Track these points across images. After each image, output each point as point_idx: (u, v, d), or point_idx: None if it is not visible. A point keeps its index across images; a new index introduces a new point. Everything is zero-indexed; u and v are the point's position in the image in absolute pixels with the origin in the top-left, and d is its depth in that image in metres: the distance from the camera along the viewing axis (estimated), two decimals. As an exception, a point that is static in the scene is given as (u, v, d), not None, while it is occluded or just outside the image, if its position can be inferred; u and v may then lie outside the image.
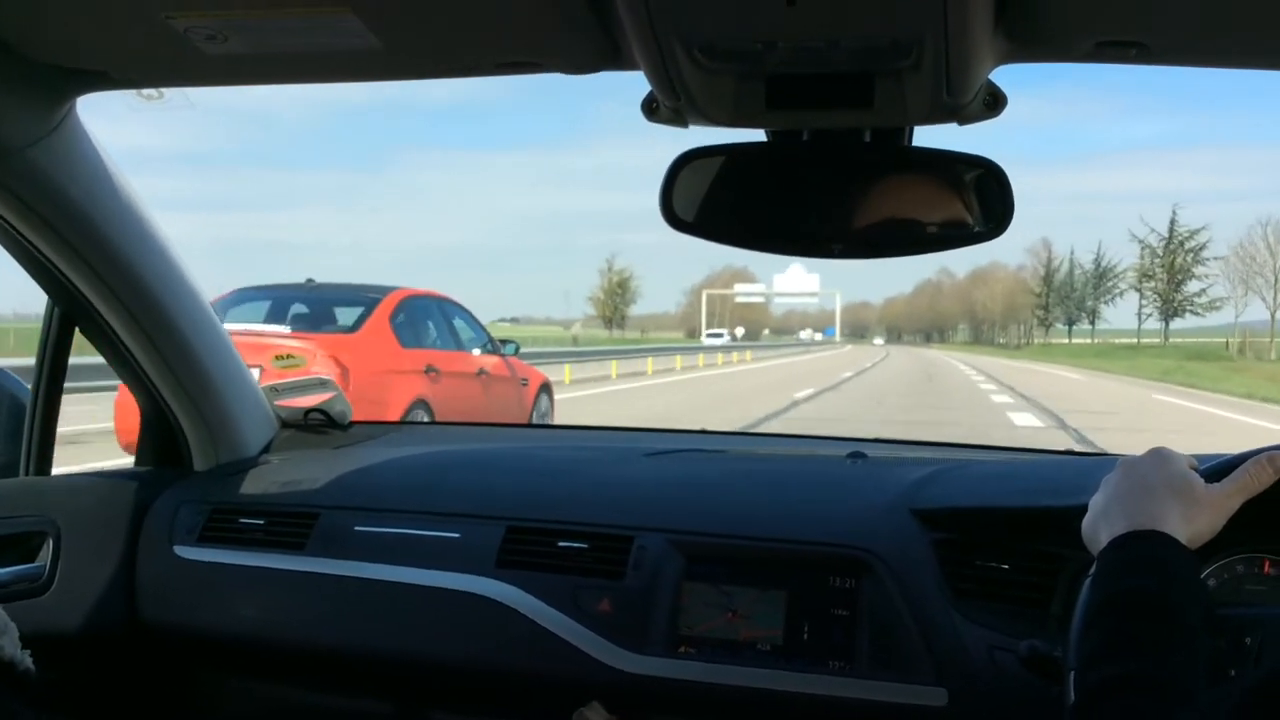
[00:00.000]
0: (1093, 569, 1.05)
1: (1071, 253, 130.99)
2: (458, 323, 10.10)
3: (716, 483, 1.78)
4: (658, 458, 1.92)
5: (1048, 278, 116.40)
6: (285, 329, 8.48)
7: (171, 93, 1.33)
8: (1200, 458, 1.20)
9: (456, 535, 1.68)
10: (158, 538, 1.84)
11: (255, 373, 2.13)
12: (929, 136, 1.21)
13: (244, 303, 9.11)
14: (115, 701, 1.84)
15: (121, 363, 1.83)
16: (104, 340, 1.79)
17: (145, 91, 1.33)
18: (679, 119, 1.14)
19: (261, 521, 1.81)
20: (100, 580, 1.79)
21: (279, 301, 9.22)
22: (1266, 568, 1.34)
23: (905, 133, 1.21)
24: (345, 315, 9.07)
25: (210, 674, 1.89)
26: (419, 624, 1.63)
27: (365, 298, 9.21)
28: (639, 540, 1.58)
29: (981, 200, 1.21)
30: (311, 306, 9.23)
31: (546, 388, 11.14)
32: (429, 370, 8.93)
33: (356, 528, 1.73)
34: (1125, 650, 0.95)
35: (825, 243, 1.25)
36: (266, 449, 2.09)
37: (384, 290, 9.38)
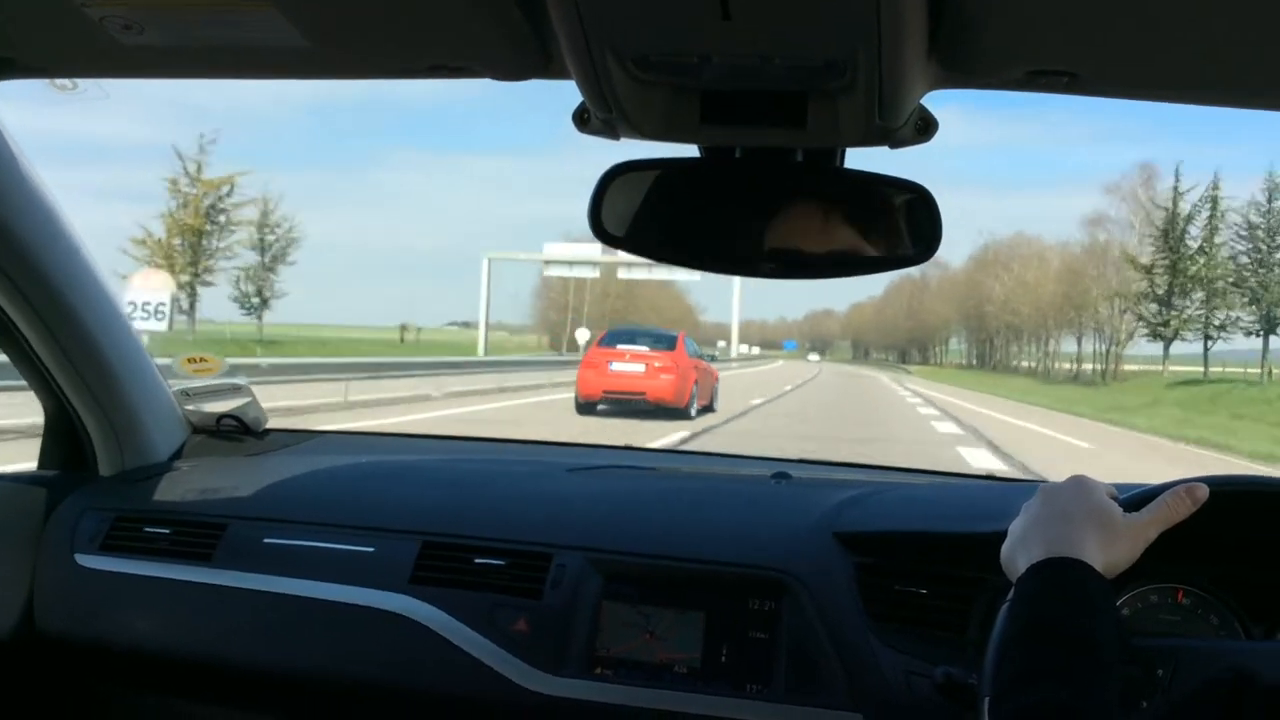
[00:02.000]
0: (1010, 595, 1.05)
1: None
2: (691, 345, 20.18)
3: (638, 501, 1.77)
4: (580, 474, 1.90)
5: (1174, 239, 51.39)
6: (644, 348, 18.45)
7: (86, 83, 1.28)
8: (1120, 487, 1.22)
9: (370, 549, 1.64)
10: (58, 545, 1.77)
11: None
12: (862, 159, 1.20)
13: (618, 335, 20.14)
14: (8, 713, 1.77)
15: (24, 360, 1.76)
16: (7, 337, 1.72)
17: (58, 81, 1.28)
18: (610, 131, 1.12)
19: (167, 531, 1.75)
20: None
21: (632, 334, 20.05)
22: (1180, 597, 1.36)
23: (838, 155, 1.21)
24: (665, 342, 19.09)
25: (109, 687, 1.82)
26: (329, 641, 1.59)
27: (671, 335, 20.05)
28: (558, 559, 1.56)
29: (911, 223, 1.22)
30: (649, 337, 19.51)
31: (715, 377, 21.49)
32: (695, 368, 18.80)
33: (266, 539, 1.68)
34: (1039, 678, 0.96)
35: (756, 262, 1.24)
36: (177, 455, 2.02)
37: (675, 332, 20.69)
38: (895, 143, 1.12)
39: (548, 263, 57.90)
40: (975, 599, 1.39)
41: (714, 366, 21.98)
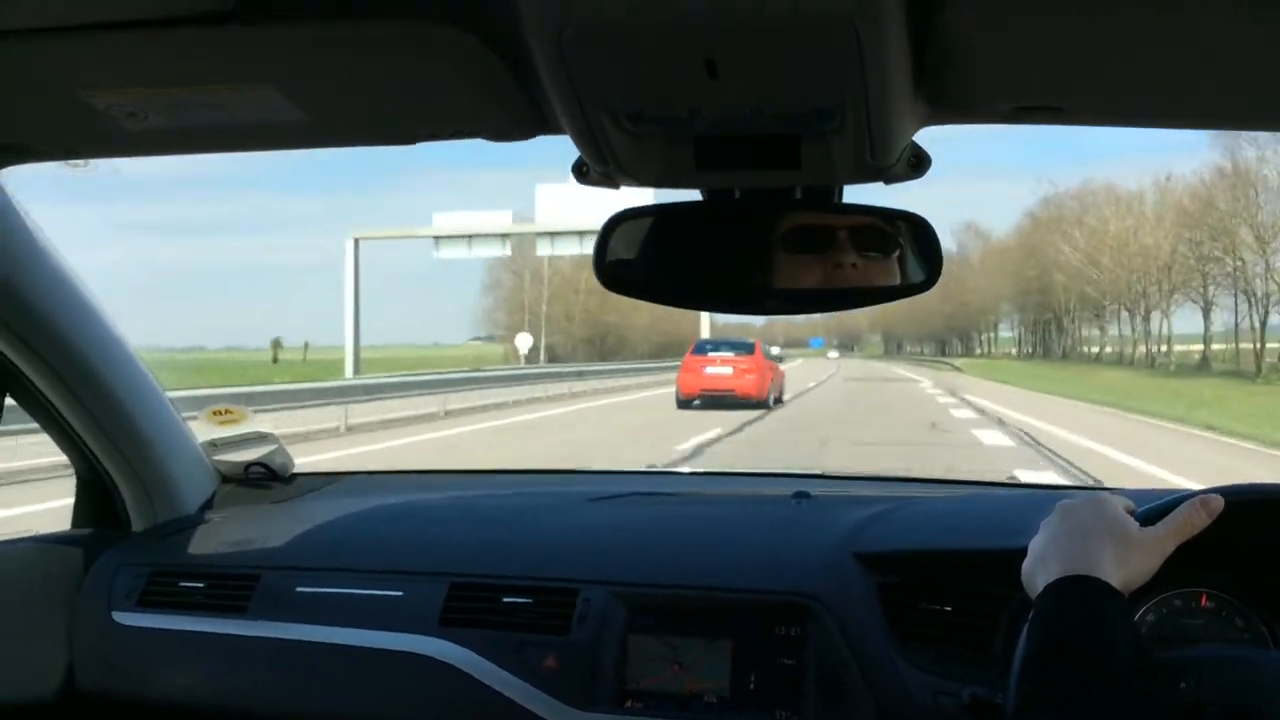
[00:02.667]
0: (1030, 614, 1.06)
1: None
2: (766, 349, 25.10)
3: (660, 530, 1.78)
4: (601, 504, 1.91)
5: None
6: (729, 354, 22.56)
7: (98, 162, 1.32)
8: (1138, 496, 1.22)
9: (399, 594, 1.66)
10: (95, 604, 1.80)
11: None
12: (860, 193, 1.22)
13: (706, 345, 24.46)
14: None
15: (53, 425, 1.80)
16: (31, 401, 1.75)
17: (73, 161, 1.31)
18: (610, 182, 1.15)
19: (202, 585, 1.78)
20: (36, 649, 1.75)
21: (716, 344, 24.09)
22: (1204, 601, 1.37)
23: (836, 190, 1.22)
24: (744, 349, 23.12)
25: None
26: (362, 687, 1.61)
27: (749, 342, 24.01)
28: (583, 594, 1.58)
29: (910, 254, 1.23)
30: (730, 346, 23.33)
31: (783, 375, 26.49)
32: (770, 369, 23.29)
33: (298, 588, 1.71)
34: (1055, 698, 0.97)
35: (761, 299, 1.26)
36: (207, 506, 2.05)
37: (751, 340, 25.04)
38: (889, 179, 1.14)
39: (439, 240, 41.66)
40: (999, 615, 1.40)
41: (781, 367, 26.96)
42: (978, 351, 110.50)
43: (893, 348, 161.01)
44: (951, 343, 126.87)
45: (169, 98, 1.00)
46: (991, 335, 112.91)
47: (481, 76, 0.96)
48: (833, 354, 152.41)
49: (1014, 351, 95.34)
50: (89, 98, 0.99)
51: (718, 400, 21.53)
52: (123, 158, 1.26)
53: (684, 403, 22.28)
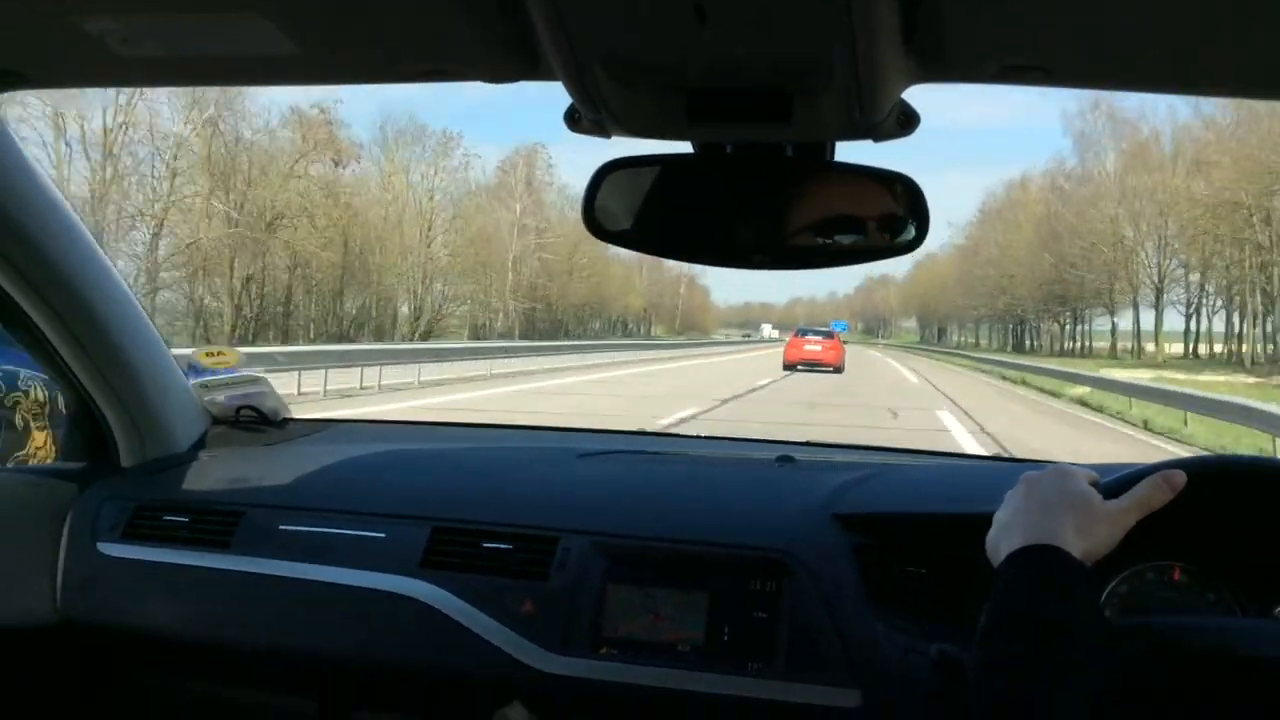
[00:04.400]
0: (993, 582, 1.08)
1: None
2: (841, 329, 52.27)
3: (644, 485, 1.80)
4: (588, 459, 1.93)
5: None
6: (819, 336, 37.17)
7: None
8: (1103, 469, 1.24)
9: (382, 535, 1.68)
10: (81, 534, 1.82)
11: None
12: (851, 151, 1.23)
13: (802, 330, 39.34)
14: (39, 699, 1.83)
15: (46, 358, 1.81)
16: (28, 335, 1.77)
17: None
18: (601, 130, 1.15)
19: (186, 519, 1.80)
20: (23, 577, 1.77)
21: (806, 330, 39.15)
22: (1176, 575, 1.39)
23: (827, 147, 1.23)
24: (826, 333, 38.39)
25: (135, 672, 1.88)
26: (343, 623, 1.64)
27: (830, 329, 42.36)
28: (564, 542, 1.60)
29: (898, 214, 1.24)
30: (817, 332, 38.61)
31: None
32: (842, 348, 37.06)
33: (282, 526, 1.73)
34: (1011, 665, 0.99)
35: (747, 253, 1.27)
36: (197, 445, 2.07)
37: (831, 327, 47.93)
38: (878, 136, 1.14)
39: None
40: (970, 578, 1.42)
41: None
42: (1088, 349, 74.99)
43: (932, 333, 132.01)
44: (1030, 326, 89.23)
45: (160, 24, 1.00)
46: (1083, 315, 76.80)
47: (474, 15, 0.96)
48: (770, 331, 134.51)
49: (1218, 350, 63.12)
50: (82, 22, 1.00)
51: (810, 365, 34.40)
52: (115, 87, 1.26)
53: (789, 366, 34.12)
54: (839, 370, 33.83)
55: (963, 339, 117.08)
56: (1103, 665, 1.00)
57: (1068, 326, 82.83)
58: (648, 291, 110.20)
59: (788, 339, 40.31)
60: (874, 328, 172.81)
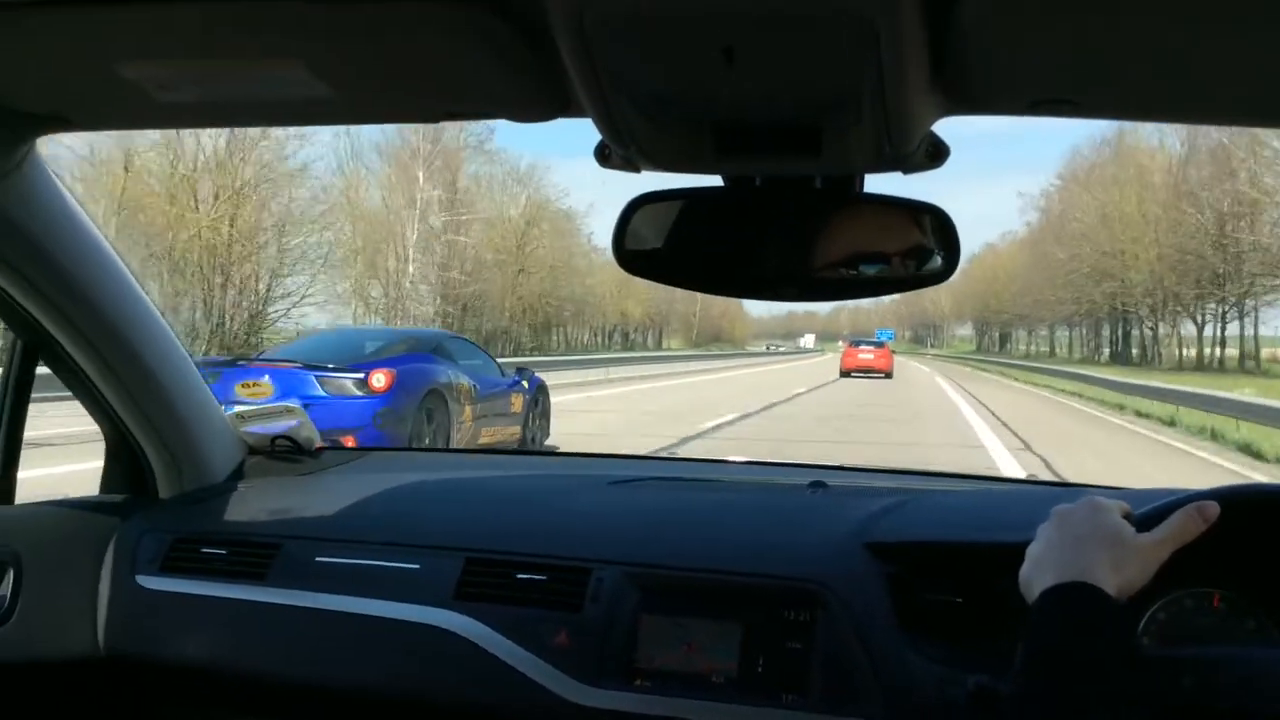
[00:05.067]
0: (1028, 620, 1.08)
1: None
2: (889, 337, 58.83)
3: (676, 514, 1.80)
4: (619, 487, 1.93)
5: None
6: (871, 346, 42.08)
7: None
8: (1134, 496, 1.23)
9: (416, 566, 1.69)
10: (120, 567, 1.84)
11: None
12: (880, 183, 1.19)
13: (856, 341, 45.77)
14: None
15: (85, 392, 1.84)
16: (66, 370, 1.79)
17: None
18: (631, 166, 1.16)
19: (224, 551, 1.81)
20: (63, 610, 1.79)
21: (859, 341, 45.79)
22: (1216, 602, 1.37)
23: (857, 179, 1.23)
24: (877, 343, 43.59)
25: (171, 705, 1.89)
26: (377, 656, 1.64)
27: (881, 340, 46.70)
28: (596, 572, 1.59)
29: (928, 244, 1.24)
30: (869, 342, 44.74)
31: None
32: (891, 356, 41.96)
33: (318, 558, 1.74)
34: (1044, 705, 0.99)
35: (778, 286, 1.27)
36: (233, 476, 2.09)
37: (882, 339, 50.38)
38: (909, 169, 1.14)
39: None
40: (1007, 608, 1.40)
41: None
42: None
43: (991, 341, 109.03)
44: (1146, 327, 65.20)
45: (199, 71, 1.02)
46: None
47: (506, 57, 0.97)
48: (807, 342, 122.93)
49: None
50: (121, 69, 1.02)
51: (864, 372, 38.76)
52: (154, 128, 1.29)
53: (845, 373, 38.56)
54: (889, 376, 38.26)
55: (1033, 347, 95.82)
56: (1136, 702, 0.99)
57: (1211, 324, 59.28)
58: (654, 297, 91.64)
59: (826, 350, 40.21)
60: (922, 336, 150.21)
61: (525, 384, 11.19)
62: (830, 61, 0.89)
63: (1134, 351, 67.99)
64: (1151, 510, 1.18)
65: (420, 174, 48.18)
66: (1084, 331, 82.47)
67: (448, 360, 10.12)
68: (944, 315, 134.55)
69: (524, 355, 42.71)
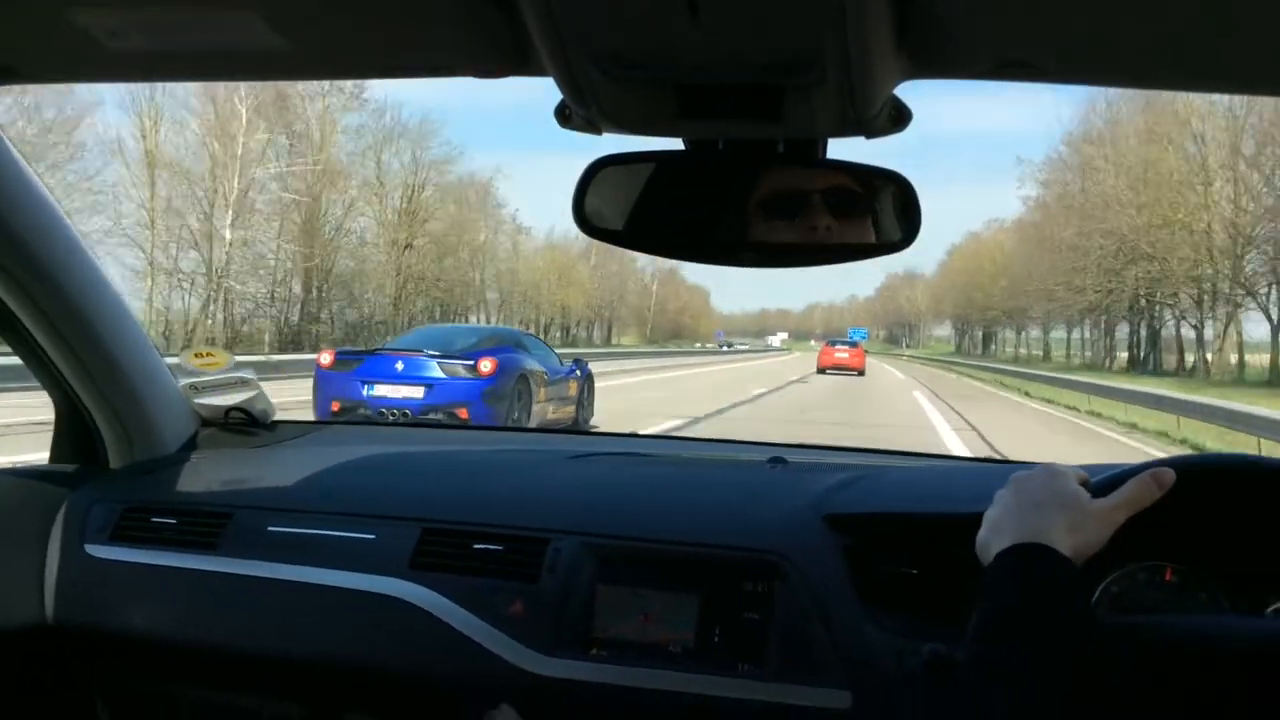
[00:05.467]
0: (983, 582, 1.08)
1: None
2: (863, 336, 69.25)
3: (635, 487, 1.80)
4: (577, 461, 1.93)
5: None
6: (847, 345, 46.26)
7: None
8: (1092, 469, 1.24)
9: (371, 536, 1.67)
10: (69, 536, 1.81)
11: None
12: (843, 150, 1.19)
13: (833, 340, 50.56)
14: (25, 702, 1.81)
15: (34, 359, 1.80)
16: (15, 336, 1.76)
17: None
18: (592, 126, 1.14)
19: (174, 521, 1.79)
20: (10, 580, 1.76)
21: (836, 340, 49.65)
22: (1168, 575, 1.39)
23: (819, 145, 1.23)
24: (853, 344, 47.02)
25: (121, 675, 1.87)
26: (331, 626, 1.63)
27: (855, 340, 52.43)
28: (554, 543, 1.59)
29: (891, 211, 1.24)
30: (846, 341, 49.42)
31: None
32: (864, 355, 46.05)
33: (270, 528, 1.72)
34: (1000, 665, 1.00)
35: (738, 251, 1.27)
36: (186, 447, 2.06)
37: (856, 338, 56.12)
38: (871, 133, 1.14)
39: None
40: (962, 578, 1.41)
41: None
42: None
43: (972, 342, 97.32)
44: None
45: (149, 18, 1.00)
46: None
47: (466, 10, 0.96)
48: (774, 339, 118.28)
49: None
50: (71, 15, 0.99)
51: (839, 369, 41.36)
52: (104, 82, 1.25)
53: (821, 370, 41.26)
54: (861, 373, 40.60)
55: (1023, 349, 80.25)
56: (1091, 664, 0.99)
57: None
58: (602, 288, 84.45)
59: (793, 349, 37.59)
60: (898, 335, 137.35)
61: (579, 372, 13.29)
62: (794, 17, 0.88)
63: (1164, 357, 52.96)
64: (1108, 477, 1.19)
65: (243, 109, 36.78)
66: (1090, 331, 66.59)
67: (524, 351, 12.36)
68: (920, 314, 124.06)
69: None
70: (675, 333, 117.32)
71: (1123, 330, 60.49)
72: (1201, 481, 1.23)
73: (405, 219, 48.27)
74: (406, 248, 46.89)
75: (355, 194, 45.80)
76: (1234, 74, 1.05)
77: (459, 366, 10.98)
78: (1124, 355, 59.52)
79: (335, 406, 10.80)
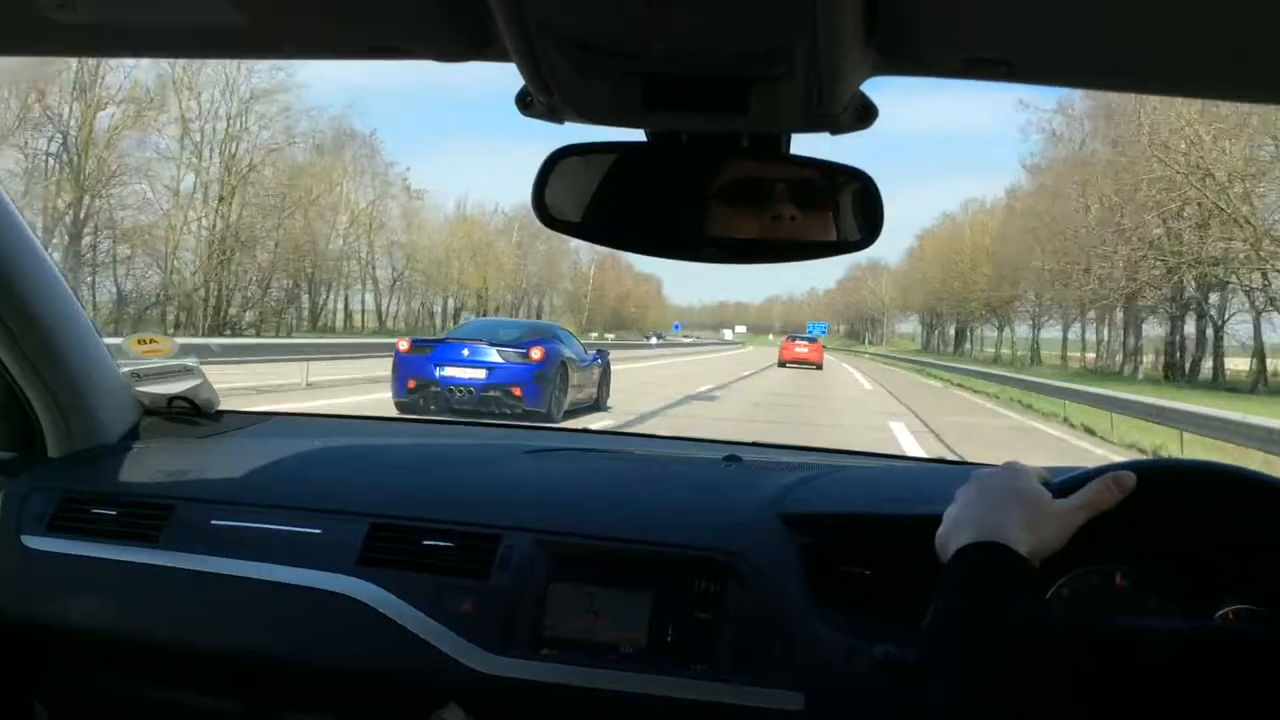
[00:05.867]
0: (942, 579, 1.07)
1: None
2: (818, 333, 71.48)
3: (588, 483, 1.78)
4: (532, 456, 1.91)
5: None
6: (806, 340, 48.10)
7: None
8: (1054, 470, 1.24)
9: (318, 531, 1.64)
10: (4, 526, 1.76)
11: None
12: (807, 146, 1.18)
13: (794, 335, 52.22)
14: None
15: None
16: None
17: None
18: (553, 115, 1.12)
19: (114, 512, 1.74)
20: None
21: (796, 336, 51.81)
22: (1120, 579, 1.39)
23: (783, 142, 1.22)
24: (812, 339, 48.88)
25: (58, 670, 1.81)
26: (275, 621, 1.59)
27: (814, 335, 58.40)
28: (505, 540, 1.57)
29: (853, 209, 1.23)
30: (805, 336, 52.35)
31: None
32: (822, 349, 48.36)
33: (213, 521, 1.68)
34: (954, 666, 0.99)
35: (700, 246, 1.25)
36: (128, 436, 2.01)
37: (815, 333, 62.65)
38: (836, 129, 1.13)
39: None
40: (918, 579, 1.41)
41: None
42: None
43: (942, 339, 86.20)
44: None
45: None
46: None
47: None
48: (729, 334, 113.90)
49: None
50: None
51: (798, 363, 42.63)
52: (53, 55, 1.21)
53: (782, 364, 42.38)
54: (819, 367, 42.37)
55: (1007, 350, 66.81)
56: (1043, 664, 0.99)
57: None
58: (526, 270, 73.44)
59: (746, 344, 36.67)
60: (859, 330, 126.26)
61: (600, 360, 15.54)
62: (765, 8, 0.87)
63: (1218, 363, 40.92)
64: (1069, 478, 1.19)
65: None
66: (1099, 329, 53.21)
67: (561, 342, 14.44)
68: (885, 306, 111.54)
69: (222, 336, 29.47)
70: (619, 323, 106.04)
71: (1152, 327, 47.12)
72: (1160, 485, 1.23)
73: (226, 165, 38.37)
74: (221, 200, 36.65)
75: (139, 114, 35.60)
76: (1200, 77, 1.05)
77: (514, 354, 13.19)
78: (1150, 358, 46.83)
79: (411, 384, 12.81)
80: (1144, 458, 1.49)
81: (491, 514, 1.62)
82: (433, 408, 12.59)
